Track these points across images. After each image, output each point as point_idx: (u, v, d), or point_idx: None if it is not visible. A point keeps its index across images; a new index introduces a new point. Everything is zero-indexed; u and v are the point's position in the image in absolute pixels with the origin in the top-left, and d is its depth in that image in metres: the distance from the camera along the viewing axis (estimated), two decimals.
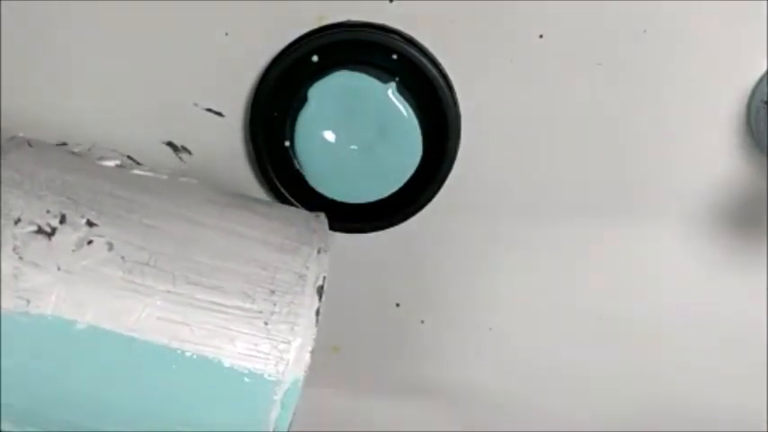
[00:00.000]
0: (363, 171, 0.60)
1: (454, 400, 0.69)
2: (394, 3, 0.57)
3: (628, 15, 0.57)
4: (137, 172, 0.50)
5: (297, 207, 0.59)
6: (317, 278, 0.48)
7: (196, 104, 0.60)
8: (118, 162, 0.50)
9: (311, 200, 0.61)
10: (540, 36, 0.58)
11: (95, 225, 0.45)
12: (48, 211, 0.44)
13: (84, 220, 0.45)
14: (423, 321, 0.67)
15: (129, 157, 0.61)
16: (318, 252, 0.49)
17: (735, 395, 0.68)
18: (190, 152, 0.61)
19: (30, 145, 0.49)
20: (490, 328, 0.67)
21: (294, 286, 0.47)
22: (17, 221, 0.44)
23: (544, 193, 0.62)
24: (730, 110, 0.60)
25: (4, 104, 0.60)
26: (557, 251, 0.64)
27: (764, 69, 0.58)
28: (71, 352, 0.44)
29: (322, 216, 0.54)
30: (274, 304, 0.46)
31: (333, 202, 0.61)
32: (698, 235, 0.63)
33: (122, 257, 0.45)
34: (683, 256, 0.64)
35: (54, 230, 0.44)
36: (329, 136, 0.59)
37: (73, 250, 0.44)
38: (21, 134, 0.51)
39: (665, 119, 0.60)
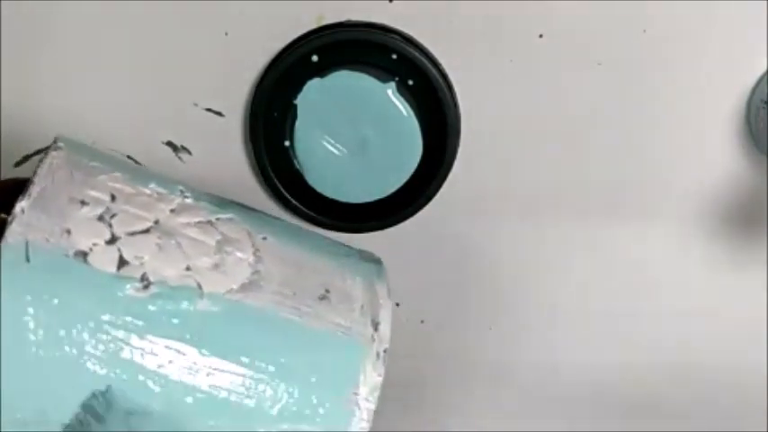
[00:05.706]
0: (363, 171, 0.60)
1: (454, 400, 0.69)
2: (394, 3, 0.57)
3: (628, 15, 0.57)
4: None
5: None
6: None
7: (196, 104, 0.60)
8: None
9: (311, 200, 0.61)
10: (540, 36, 0.58)
11: None
12: None
13: None
14: (423, 321, 0.67)
15: (129, 156, 0.61)
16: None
17: (734, 395, 0.68)
18: (190, 152, 0.61)
19: None
20: (490, 328, 0.67)
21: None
22: None
23: (544, 193, 0.62)
24: (730, 110, 0.60)
25: (4, 104, 0.60)
26: (556, 251, 0.64)
27: (764, 69, 0.58)
28: None
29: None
30: None
31: (333, 201, 0.61)
32: (698, 235, 0.63)
33: None
34: (683, 255, 0.64)
35: None
36: (329, 136, 0.59)
37: None
38: None
39: (664, 119, 0.60)
